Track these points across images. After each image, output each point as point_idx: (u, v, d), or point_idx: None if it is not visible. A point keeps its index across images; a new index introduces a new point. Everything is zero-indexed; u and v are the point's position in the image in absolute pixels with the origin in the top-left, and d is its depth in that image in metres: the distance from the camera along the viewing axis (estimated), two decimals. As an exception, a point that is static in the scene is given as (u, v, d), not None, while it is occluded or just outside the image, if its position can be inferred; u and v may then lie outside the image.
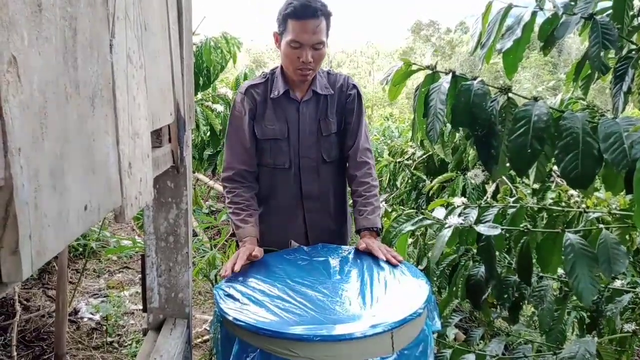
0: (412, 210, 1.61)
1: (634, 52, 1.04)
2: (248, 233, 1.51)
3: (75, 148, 0.46)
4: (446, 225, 1.35)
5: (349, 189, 1.78)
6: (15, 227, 0.35)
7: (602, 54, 0.97)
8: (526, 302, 1.39)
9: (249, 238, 1.50)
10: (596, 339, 1.16)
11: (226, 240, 2.80)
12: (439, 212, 1.49)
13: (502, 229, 1.24)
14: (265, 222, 1.70)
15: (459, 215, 1.40)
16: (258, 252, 1.43)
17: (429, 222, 1.44)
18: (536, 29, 1.10)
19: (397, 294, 1.19)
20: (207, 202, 4.69)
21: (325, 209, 1.71)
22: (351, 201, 1.76)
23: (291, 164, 1.64)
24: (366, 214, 1.57)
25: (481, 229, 1.25)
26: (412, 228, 1.42)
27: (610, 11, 1.07)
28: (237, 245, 1.55)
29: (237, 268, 1.33)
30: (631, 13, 1.07)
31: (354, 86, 1.68)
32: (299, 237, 1.68)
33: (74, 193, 0.45)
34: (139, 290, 2.84)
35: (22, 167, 0.36)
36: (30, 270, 0.37)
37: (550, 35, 1.08)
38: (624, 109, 1.02)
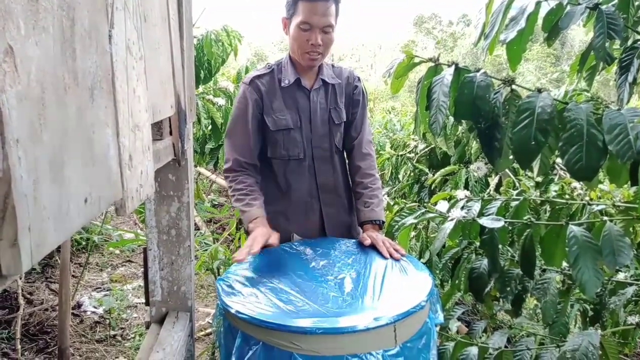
0: (414, 204, 1.60)
1: (639, 43, 1.03)
2: (256, 214, 1.47)
3: (75, 140, 0.46)
4: (449, 218, 1.34)
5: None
6: (14, 220, 0.35)
7: (607, 44, 0.95)
8: (529, 294, 1.39)
9: (258, 219, 1.46)
10: (599, 331, 1.16)
11: (229, 234, 2.81)
12: (442, 206, 1.49)
13: (505, 222, 1.24)
14: (281, 218, 1.65)
15: (462, 208, 1.40)
16: (275, 238, 1.39)
17: (431, 215, 1.44)
18: (540, 20, 1.09)
19: (400, 287, 1.19)
20: (209, 196, 4.69)
21: (340, 201, 1.70)
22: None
23: (305, 154, 1.62)
24: (372, 206, 1.57)
25: (484, 221, 1.24)
26: (415, 221, 1.42)
27: (615, 1, 1.05)
28: (247, 235, 1.49)
29: (255, 251, 1.27)
30: (637, 3, 1.05)
31: (359, 79, 1.70)
32: (316, 232, 1.66)
33: (73, 185, 0.45)
34: (142, 284, 2.85)
35: (20, 158, 0.35)
36: (30, 263, 0.37)
37: (555, 26, 1.07)
38: (629, 100, 1.01)
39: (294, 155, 1.61)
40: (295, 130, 1.60)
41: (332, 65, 1.69)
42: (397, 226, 1.47)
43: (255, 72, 1.64)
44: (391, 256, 1.37)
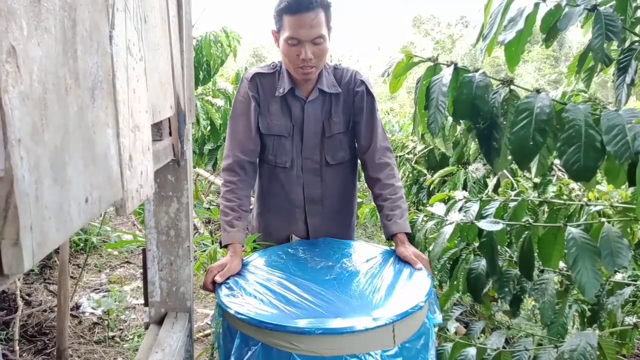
0: (415, 211, 1.61)
1: (637, 44, 1.03)
2: (232, 239, 1.41)
3: (76, 140, 0.46)
4: (447, 222, 1.34)
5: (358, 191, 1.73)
6: (16, 219, 0.35)
7: (605, 45, 0.96)
8: (527, 295, 1.39)
9: (234, 246, 1.40)
10: (597, 331, 1.16)
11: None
12: (439, 208, 1.49)
13: (503, 224, 1.24)
14: (266, 218, 1.67)
15: (460, 209, 1.40)
16: (238, 269, 1.34)
17: (432, 223, 1.44)
18: (538, 21, 1.09)
19: (398, 288, 1.19)
20: (207, 197, 4.69)
21: (329, 214, 1.64)
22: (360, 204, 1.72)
23: (293, 163, 1.57)
24: (395, 218, 1.47)
25: (483, 224, 1.24)
26: (422, 231, 1.42)
27: (613, 2, 1.06)
28: (220, 244, 1.47)
29: (218, 280, 1.26)
30: (634, 4, 1.06)
31: (362, 82, 1.56)
32: (300, 237, 1.64)
33: (74, 185, 0.45)
34: (141, 285, 2.85)
35: (22, 158, 0.36)
36: (31, 262, 0.37)
37: (553, 27, 1.07)
38: (626, 101, 1.01)
39: (281, 162, 1.58)
40: (287, 138, 1.56)
41: (335, 67, 1.58)
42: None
43: (259, 69, 1.58)
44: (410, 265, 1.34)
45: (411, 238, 1.48)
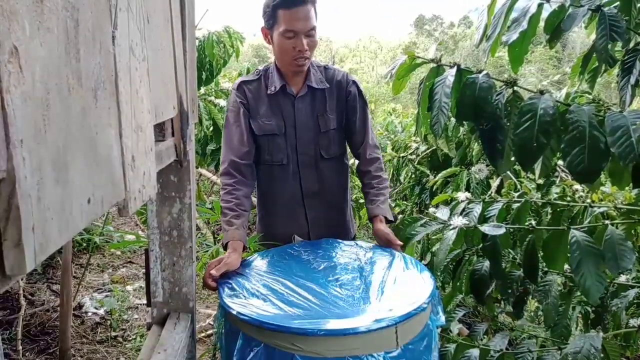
0: (418, 216, 1.61)
1: (641, 45, 1.03)
2: (231, 237, 1.44)
3: (78, 140, 0.46)
4: (450, 227, 1.34)
5: (352, 184, 1.79)
6: (18, 220, 0.35)
7: (609, 46, 0.95)
8: (530, 297, 1.38)
9: (231, 243, 1.42)
10: (601, 334, 1.16)
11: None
12: (443, 212, 1.48)
13: (506, 228, 1.23)
14: (268, 219, 1.72)
15: (463, 210, 1.40)
16: (235, 264, 1.36)
17: (435, 227, 1.44)
18: (542, 22, 1.09)
19: (401, 289, 1.19)
20: (210, 197, 4.69)
21: (325, 206, 1.70)
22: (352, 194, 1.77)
23: (289, 160, 1.63)
24: (379, 202, 1.62)
25: (486, 229, 1.23)
26: (424, 233, 1.42)
27: (617, 3, 1.06)
28: (225, 247, 1.48)
29: (214, 274, 1.28)
30: (639, 5, 1.05)
31: (354, 82, 1.67)
32: (302, 234, 1.68)
33: (77, 186, 0.45)
34: (143, 285, 2.85)
35: (24, 159, 0.35)
36: (33, 263, 0.37)
37: (557, 28, 1.07)
38: (631, 102, 1.00)
39: (277, 160, 1.63)
40: (280, 136, 1.61)
41: (326, 67, 1.67)
42: (404, 235, 1.48)
43: (244, 77, 1.68)
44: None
45: (391, 225, 1.61)
